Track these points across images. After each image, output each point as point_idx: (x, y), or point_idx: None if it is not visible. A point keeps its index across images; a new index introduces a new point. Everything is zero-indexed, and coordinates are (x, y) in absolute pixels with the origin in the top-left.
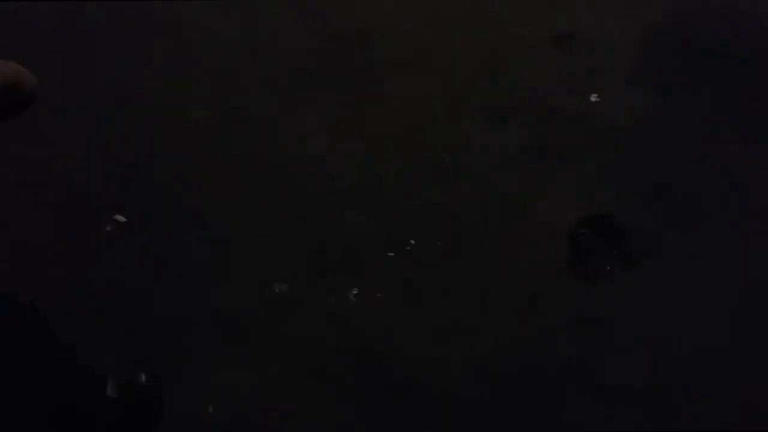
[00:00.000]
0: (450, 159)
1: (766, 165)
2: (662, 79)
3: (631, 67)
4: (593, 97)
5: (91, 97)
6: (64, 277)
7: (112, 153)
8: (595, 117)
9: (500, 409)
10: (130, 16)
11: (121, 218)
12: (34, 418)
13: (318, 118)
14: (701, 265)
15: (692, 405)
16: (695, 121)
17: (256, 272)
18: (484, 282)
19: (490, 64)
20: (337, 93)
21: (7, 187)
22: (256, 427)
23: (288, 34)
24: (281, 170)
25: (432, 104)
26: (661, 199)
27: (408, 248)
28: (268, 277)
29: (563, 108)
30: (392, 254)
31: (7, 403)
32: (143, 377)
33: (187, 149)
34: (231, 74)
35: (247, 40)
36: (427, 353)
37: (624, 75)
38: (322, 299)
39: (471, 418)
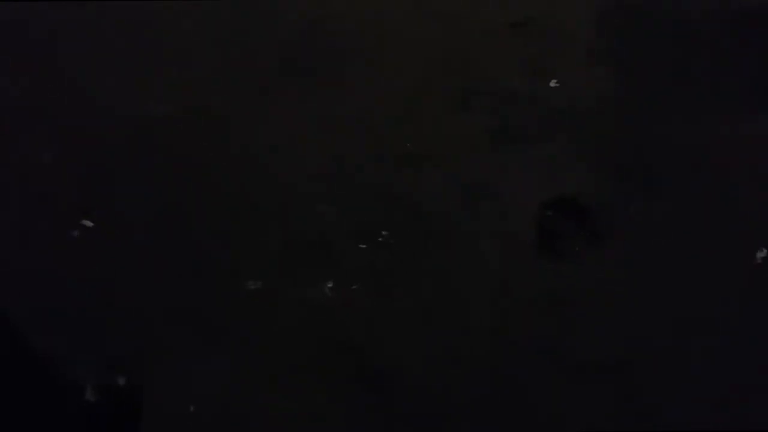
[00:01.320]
0: (414, 148)
1: (728, 142)
2: (621, 59)
3: (589, 48)
4: (553, 83)
5: (53, 99)
6: (34, 283)
7: (76, 156)
8: (555, 100)
9: (477, 392)
10: (90, 14)
11: (88, 223)
12: (13, 425)
13: (283, 111)
14: (666, 241)
15: (663, 379)
16: (656, 99)
17: (228, 270)
18: (455, 268)
19: (451, 52)
20: (300, 84)
21: None
22: (238, 424)
23: (251, 26)
24: (247, 166)
25: (394, 93)
26: (624, 179)
27: (380, 239)
28: (241, 274)
29: (524, 93)
30: (364, 246)
31: None
32: (121, 379)
33: (150, 147)
34: (193, 69)
35: (210, 33)
36: (404, 341)
37: (582, 57)
38: (296, 294)
39: (449, 402)
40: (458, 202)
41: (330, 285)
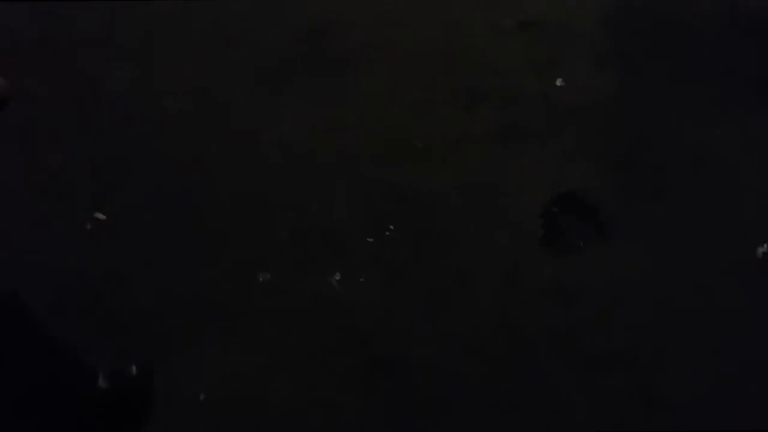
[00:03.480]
0: (421, 145)
1: (731, 139)
2: (627, 59)
3: (596, 48)
4: (559, 82)
5: (65, 95)
6: (49, 275)
7: (89, 151)
8: (561, 99)
9: (485, 382)
10: (99, 13)
11: (100, 216)
12: (28, 412)
13: (292, 108)
14: (669, 236)
15: (667, 372)
16: (660, 98)
17: (238, 262)
18: (462, 262)
19: (459, 51)
20: (310, 82)
21: None
22: (248, 412)
23: (260, 24)
24: (257, 161)
25: (402, 91)
26: (628, 176)
27: (387, 233)
28: (251, 266)
29: (530, 92)
30: (371, 239)
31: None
32: (133, 368)
33: (162, 143)
34: (205, 66)
35: (219, 31)
36: (412, 331)
37: (588, 56)
38: (305, 285)
39: (457, 391)
40: (465, 199)
41: (338, 277)
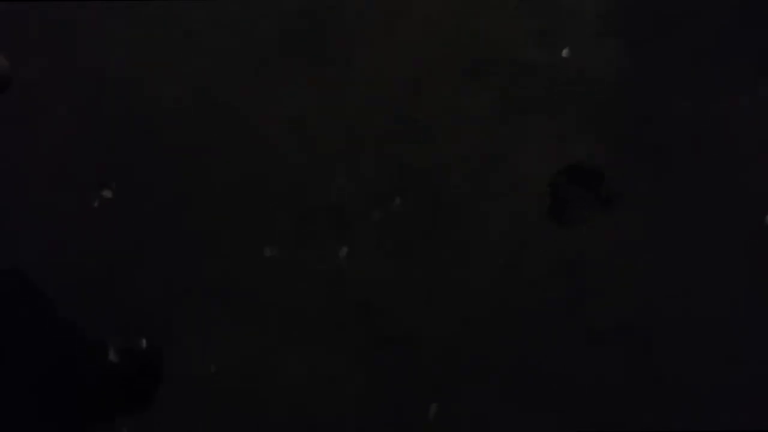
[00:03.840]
0: (424, 119)
1: (737, 112)
2: (633, 31)
3: (602, 19)
4: (565, 53)
5: (68, 76)
6: (58, 253)
7: (95, 130)
8: (566, 71)
9: (492, 356)
10: (101, 6)
11: (107, 194)
12: (38, 387)
13: (295, 87)
14: (674, 208)
15: (673, 343)
16: (666, 70)
17: (245, 238)
18: (469, 235)
19: (461, 23)
20: (308, 61)
21: None
22: (258, 385)
23: (258, 6)
24: (262, 140)
25: (405, 66)
26: (633, 148)
27: (393, 208)
28: (258, 242)
29: (535, 63)
30: (378, 214)
31: (8, 374)
32: (144, 342)
33: (168, 123)
34: (203, 50)
35: (218, 14)
36: (419, 307)
37: (595, 28)
38: (312, 260)
39: (464, 366)
40: (469, 172)
41: (345, 251)
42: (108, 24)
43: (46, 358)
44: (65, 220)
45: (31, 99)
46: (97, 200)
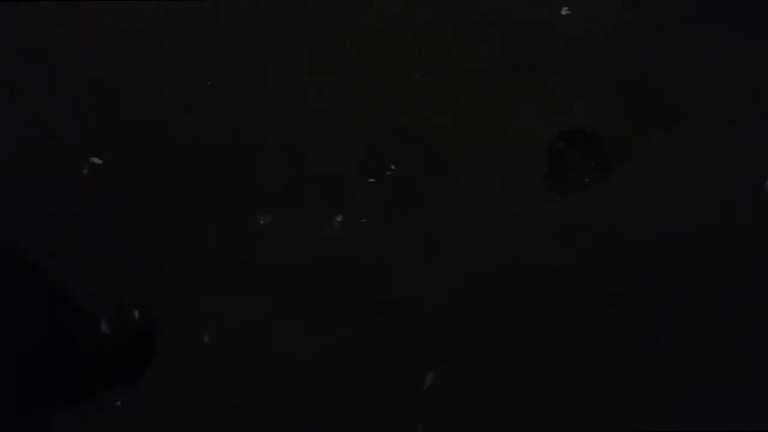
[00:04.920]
0: (422, 77)
1: (739, 74)
2: None
3: None
4: (564, 11)
5: (57, 40)
6: (49, 221)
7: (84, 96)
8: (566, 29)
9: (488, 323)
10: None
11: (96, 160)
12: (33, 361)
13: (290, 49)
14: (675, 170)
15: (671, 309)
16: (666, 30)
17: (239, 206)
18: (465, 200)
19: None
20: (308, 22)
21: None
22: (251, 353)
23: None
24: (256, 104)
25: (402, 25)
26: (634, 109)
27: (388, 173)
28: (252, 209)
29: (535, 22)
30: (373, 180)
31: (0, 348)
32: (136, 312)
33: (159, 87)
34: (200, 12)
35: None
36: (414, 274)
37: None
38: (306, 227)
39: (460, 332)
40: (468, 136)
41: (339, 219)
42: None
43: (37, 330)
44: (55, 188)
45: (19, 66)
46: (86, 168)
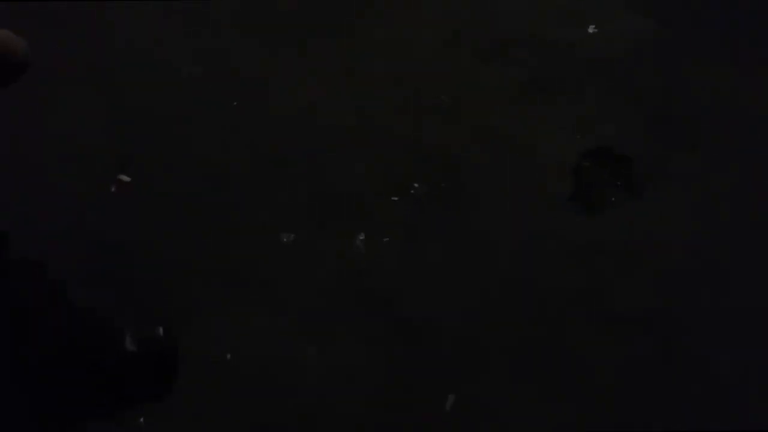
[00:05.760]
0: (449, 100)
1: (765, 91)
2: (659, 7)
3: None
4: (591, 29)
5: (86, 59)
6: (75, 238)
7: (107, 116)
8: (592, 47)
9: (509, 345)
10: None
11: (124, 178)
12: (56, 376)
13: (312, 67)
14: (703, 191)
15: (698, 330)
16: (694, 47)
17: (262, 224)
18: (489, 219)
19: (484, 0)
20: (330, 38)
21: (8, 155)
22: (274, 372)
23: None
24: (278, 121)
25: (427, 43)
26: (662, 128)
27: (411, 192)
28: (274, 227)
29: (560, 40)
30: (396, 198)
31: (25, 363)
32: (160, 330)
33: (182, 106)
34: (219, 30)
35: None
36: (435, 294)
37: (621, 4)
38: (329, 246)
39: (481, 354)
40: (491, 154)
41: (362, 237)
42: (132, 4)
43: (63, 346)
44: (82, 205)
45: (49, 82)
46: (114, 185)
